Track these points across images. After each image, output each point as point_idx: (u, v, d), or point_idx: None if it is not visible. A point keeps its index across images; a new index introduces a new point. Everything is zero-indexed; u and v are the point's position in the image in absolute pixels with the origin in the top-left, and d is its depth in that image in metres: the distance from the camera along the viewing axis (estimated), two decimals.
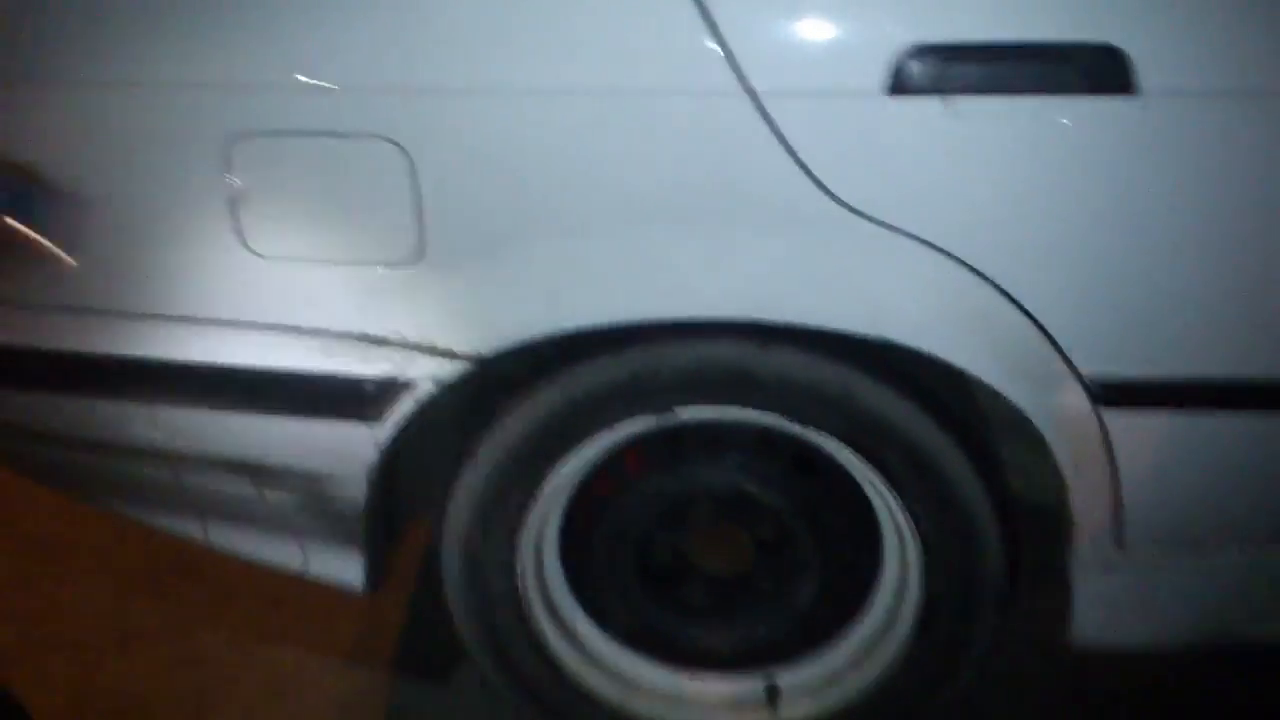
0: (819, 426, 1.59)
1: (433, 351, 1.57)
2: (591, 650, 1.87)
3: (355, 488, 1.68)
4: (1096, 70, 1.37)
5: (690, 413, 1.62)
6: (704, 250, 1.48)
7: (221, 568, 2.16)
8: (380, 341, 1.58)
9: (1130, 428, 1.54)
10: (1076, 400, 1.52)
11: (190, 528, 1.88)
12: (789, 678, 1.87)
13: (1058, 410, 1.53)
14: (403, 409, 1.60)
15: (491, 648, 1.79)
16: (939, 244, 1.45)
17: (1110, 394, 1.51)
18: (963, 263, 1.46)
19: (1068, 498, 1.60)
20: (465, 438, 1.68)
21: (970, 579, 1.67)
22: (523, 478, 1.65)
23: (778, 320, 1.50)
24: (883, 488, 1.65)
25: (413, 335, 1.57)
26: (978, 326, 1.49)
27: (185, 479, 1.78)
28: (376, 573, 1.78)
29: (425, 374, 1.57)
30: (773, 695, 1.86)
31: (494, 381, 1.64)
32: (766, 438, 1.71)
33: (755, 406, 1.59)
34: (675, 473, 1.76)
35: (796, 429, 1.62)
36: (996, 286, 1.46)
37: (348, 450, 1.65)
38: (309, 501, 1.73)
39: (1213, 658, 1.79)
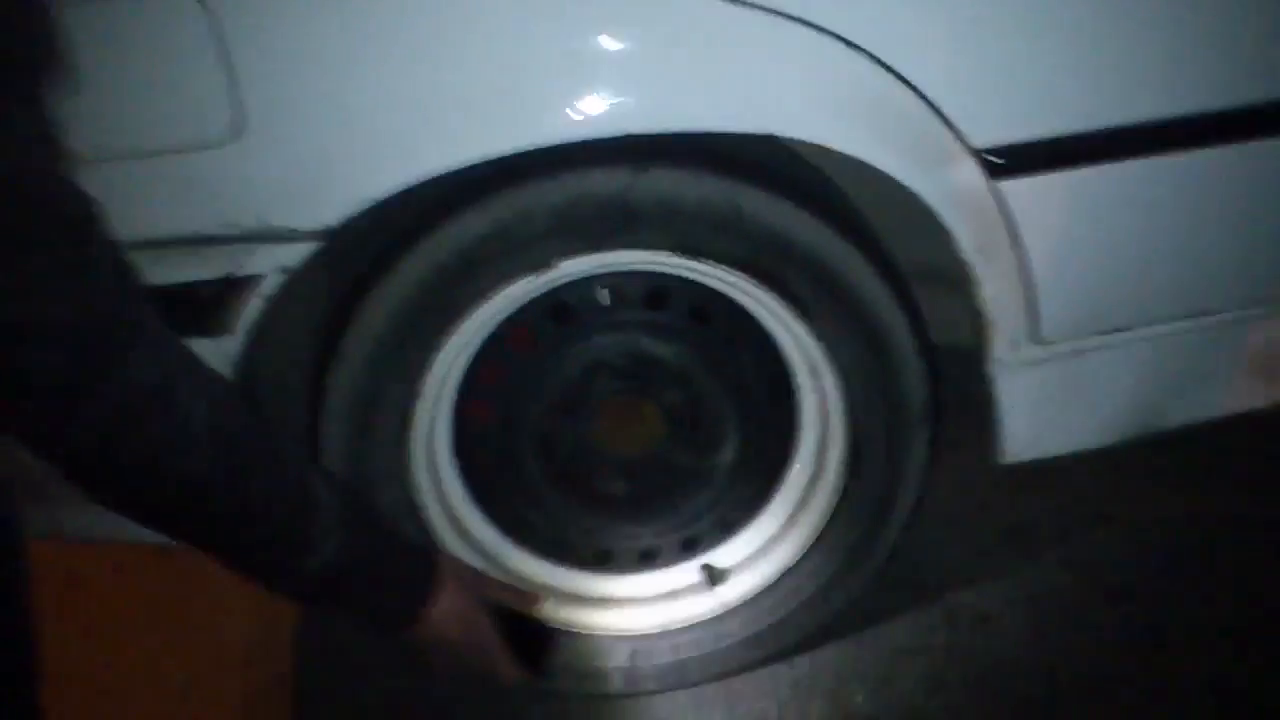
0: (710, 256, 1.46)
1: (272, 235, 1.38)
2: (509, 566, 1.70)
3: None
4: None
5: (571, 265, 1.47)
6: (560, 60, 1.34)
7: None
8: (211, 239, 1.39)
9: (1029, 197, 1.46)
10: (973, 176, 1.43)
11: (41, 520, 1.64)
12: (724, 555, 1.74)
13: (956, 190, 1.43)
14: (251, 312, 1.41)
15: None
16: (817, 22, 1.34)
17: (1005, 163, 1.43)
18: (843, 40, 1.35)
19: (979, 292, 1.51)
20: (326, 335, 1.50)
21: (893, 406, 1.57)
22: (399, 370, 1.48)
23: (653, 130, 1.37)
24: (790, 319, 1.53)
25: (246, 221, 1.37)
26: (865, 110, 1.38)
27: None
28: None
29: (269, 264, 1.39)
30: (712, 576, 1.72)
31: (348, 262, 1.48)
32: (658, 293, 1.59)
33: (640, 244, 1.45)
34: (567, 347, 1.60)
35: (686, 267, 1.50)
36: (879, 62, 1.37)
37: None
38: None
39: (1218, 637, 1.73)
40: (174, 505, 1.19)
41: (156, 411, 1.07)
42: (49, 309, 1.00)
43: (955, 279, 1.56)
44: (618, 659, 1.71)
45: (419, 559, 1.39)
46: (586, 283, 1.56)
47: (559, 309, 1.58)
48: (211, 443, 1.14)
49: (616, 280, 1.57)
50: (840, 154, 1.41)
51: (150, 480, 1.12)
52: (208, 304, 1.41)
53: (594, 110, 1.36)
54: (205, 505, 1.19)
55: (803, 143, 1.40)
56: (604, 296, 1.59)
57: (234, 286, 1.40)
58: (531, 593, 1.59)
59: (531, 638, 1.48)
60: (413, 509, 1.58)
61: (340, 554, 1.25)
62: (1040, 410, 1.63)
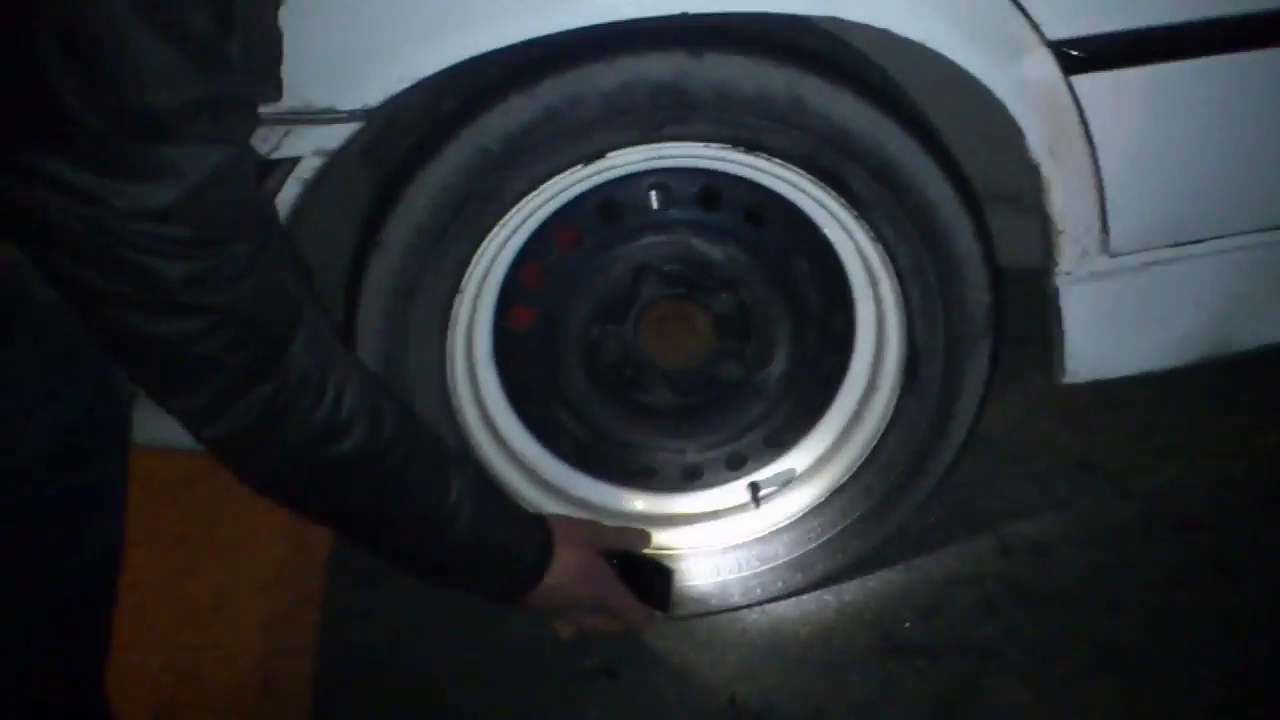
0: (767, 149, 1.40)
1: (310, 116, 1.32)
2: (543, 474, 1.65)
3: None
4: None
5: (622, 157, 1.42)
6: None
7: None
8: None
9: (1105, 94, 1.39)
10: (1047, 70, 1.36)
11: None
12: (771, 473, 1.68)
13: (1028, 84, 1.37)
14: (288, 197, 1.35)
15: None
16: None
17: (1082, 56, 1.36)
18: None
19: (1048, 197, 1.44)
20: (367, 223, 1.44)
21: (953, 316, 1.50)
22: (440, 262, 1.42)
23: (711, 10, 1.30)
24: (848, 220, 1.48)
25: (282, 100, 1.33)
26: None
27: None
28: None
29: (306, 146, 1.33)
30: (755, 494, 1.66)
31: (391, 149, 1.42)
32: (711, 193, 1.53)
33: (694, 136, 1.39)
34: (615, 248, 1.54)
35: (741, 163, 1.45)
36: None
37: None
38: None
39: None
40: (322, 486, 1.21)
41: (311, 394, 1.12)
42: (240, 294, 1.04)
43: (1022, 189, 1.50)
44: (659, 581, 1.65)
45: (537, 526, 1.43)
46: (637, 179, 1.51)
47: (608, 206, 1.52)
48: (359, 427, 1.17)
49: (668, 178, 1.51)
50: (905, 41, 1.34)
51: (299, 461, 1.16)
52: None
53: None
54: (351, 489, 1.20)
55: (868, 28, 1.34)
56: (655, 197, 1.53)
57: (269, 169, 1.34)
58: (640, 530, 1.59)
59: (645, 573, 1.52)
60: (449, 412, 1.53)
61: (470, 528, 1.30)
62: (1107, 327, 1.56)
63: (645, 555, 1.57)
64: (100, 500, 1.19)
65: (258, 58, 1.04)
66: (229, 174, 0.99)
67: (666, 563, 1.58)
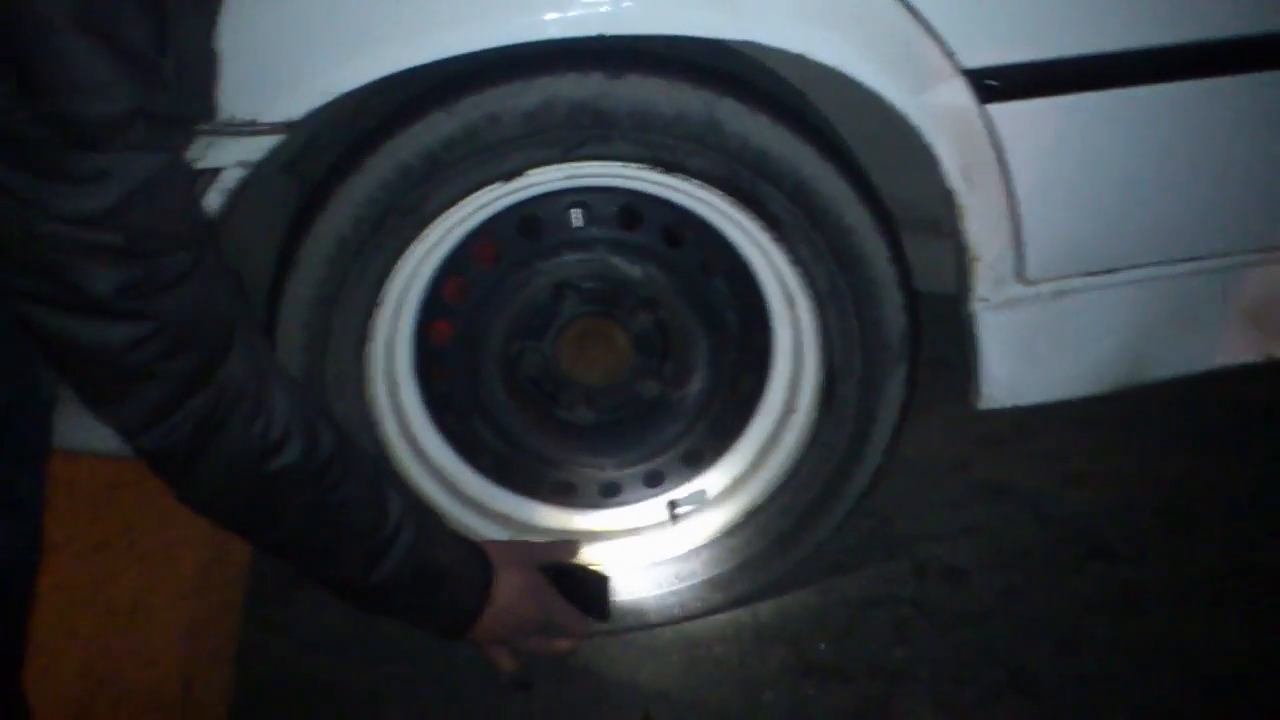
0: (686, 170, 1.41)
1: (233, 127, 1.33)
2: (463, 488, 1.65)
3: None
4: None
5: (541, 175, 1.42)
6: None
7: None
8: None
9: (1019, 123, 1.41)
10: (961, 98, 1.38)
11: None
12: (688, 492, 1.69)
13: (943, 111, 1.39)
14: (209, 207, 1.35)
15: None
16: None
17: (996, 85, 1.38)
18: None
19: (962, 224, 1.47)
20: (289, 235, 1.44)
21: (870, 338, 1.52)
22: (360, 274, 1.42)
23: (629, 33, 1.32)
24: (766, 242, 1.49)
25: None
26: (850, 21, 1.33)
27: None
28: None
29: (230, 157, 1.33)
30: (674, 515, 1.67)
31: (312, 163, 1.43)
32: (630, 212, 1.54)
33: (613, 156, 1.40)
34: (534, 264, 1.55)
35: (660, 184, 1.46)
36: None
37: None
38: None
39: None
40: (260, 504, 1.22)
41: (247, 408, 1.13)
42: (175, 303, 1.05)
43: (938, 214, 1.52)
44: None
45: (476, 551, 1.44)
46: (557, 198, 1.52)
47: (528, 223, 1.53)
48: (295, 443, 1.18)
49: (588, 196, 1.53)
50: (821, 66, 1.36)
51: (236, 477, 1.17)
52: None
53: (566, 11, 1.31)
54: (290, 507, 1.20)
55: (783, 53, 1.36)
56: (575, 215, 1.54)
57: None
58: (569, 541, 1.62)
59: (581, 584, 1.54)
60: (368, 423, 1.53)
61: (412, 550, 1.31)
62: (1022, 354, 1.58)
63: (578, 565, 1.58)
64: (14, 503, 1.19)
65: (191, 76, 1.05)
66: (162, 183, 1.00)
67: (600, 570, 1.59)
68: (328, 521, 1.23)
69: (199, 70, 1.09)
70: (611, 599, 1.57)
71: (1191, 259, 1.56)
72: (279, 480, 1.17)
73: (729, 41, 1.36)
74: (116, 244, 0.98)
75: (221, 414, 1.10)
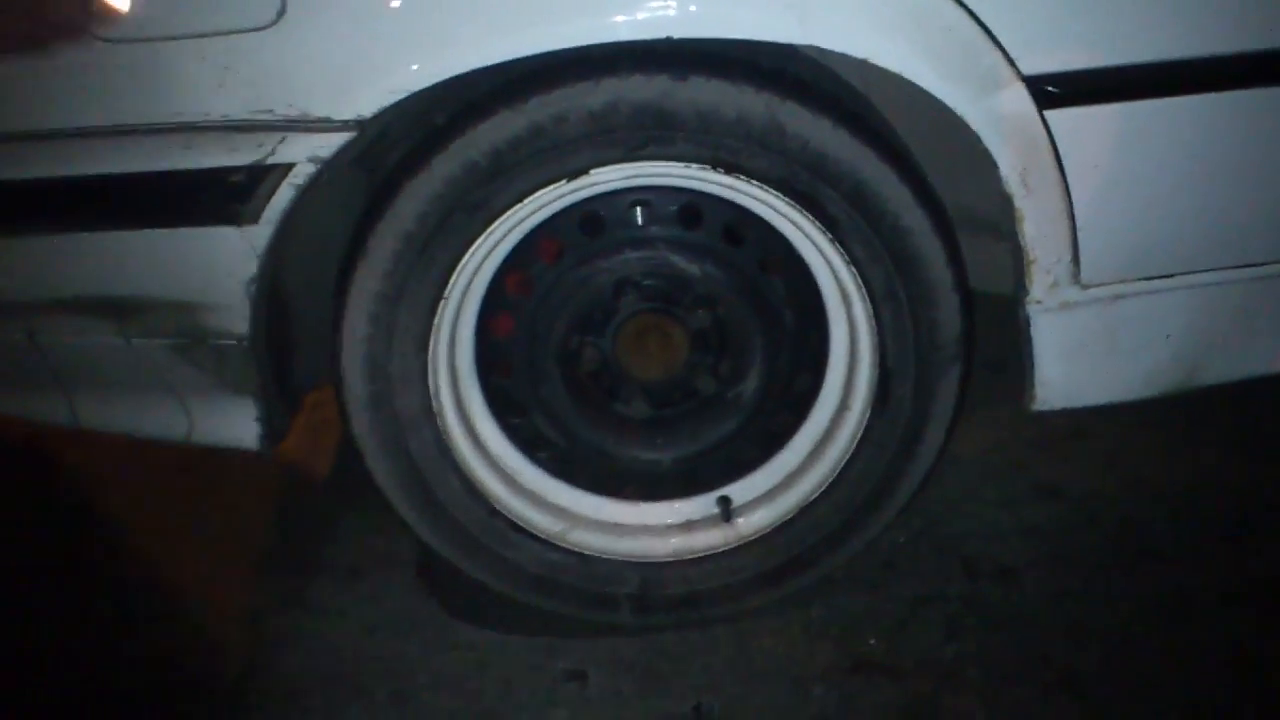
0: (746, 171, 1.44)
1: (306, 124, 1.38)
2: (522, 480, 1.68)
3: (236, 312, 1.48)
4: None
5: (605, 174, 1.45)
6: None
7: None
8: (244, 124, 1.38)
9: (1079, 129, 1.42)
10: (1021, 103, 1.40)
11: (55, 407, 1.65)
12: (741, 488, 1.71)
13: (1003, 117, 1.40)
14: (280, 200, 1.40)
15: (406, 482, 1.59)
16: None
17: (1056, 92, 1.40)
18: None
19: (1020, 228, 1.48)
20: (356, 230, 1.48)
21: (924, 339, 1.54)
22: (426, 269, 1.46)
23: (694, 37, 1.35)
24: (824, 243, 1.51)
25: (281, 108, 1.37)
26: (913, 26, 1.36)
27: (41, 338, 1.56)
28: (273, 423, 1.59)
29: (302, 152, 1.38)
30: (726, 508, 1.69)
31: (382, 158, 1.46)
32: (691, 211, 1.57)
33: (675, 156, 1.43)
34: (596, 261, 1.58)
35: (721, 184, 1.48)
36: None
37: (222, 264, 1.45)
38: (184, 342, 1.52)
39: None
40: None
41: None
42: None
43: (995, 217, 1.54)
44: (629, 586, 1.69)
45: None
46: (620, 196, 1.55)
47: (590, 220, 1.56)
48: None
49: (650, 196, 1.55)
50: (884, 72, 1.38)
51: None
52: (237, 191, 1.40)
53: (635, 14, 1.34)
54: None
55: (847, 58, 1.38)
56: (637, 214, 1.57)
57: (264, 174, 1.40)
58: None
59: None
60: (430, 415, 1.56)
61: None
62: (1076, 357, 1.59)
63: None
64: None
65: None
66: None
67: None
68: None
69: None
70: None
71: (1247, 265, 1.56)
72: None
73: (794, 46, 1.38)
74: None
75: None
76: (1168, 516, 1.84)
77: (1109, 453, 1.94)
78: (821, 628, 1.71)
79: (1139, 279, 1.54)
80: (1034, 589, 1.74)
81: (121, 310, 1.51)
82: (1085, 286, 1.52)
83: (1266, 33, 1.41)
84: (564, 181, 1.44)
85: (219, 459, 1.64)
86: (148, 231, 1.45)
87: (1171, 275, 1.54)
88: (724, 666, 1.67)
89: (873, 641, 1.68)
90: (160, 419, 1.61)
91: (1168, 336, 1.60)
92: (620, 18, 1.34)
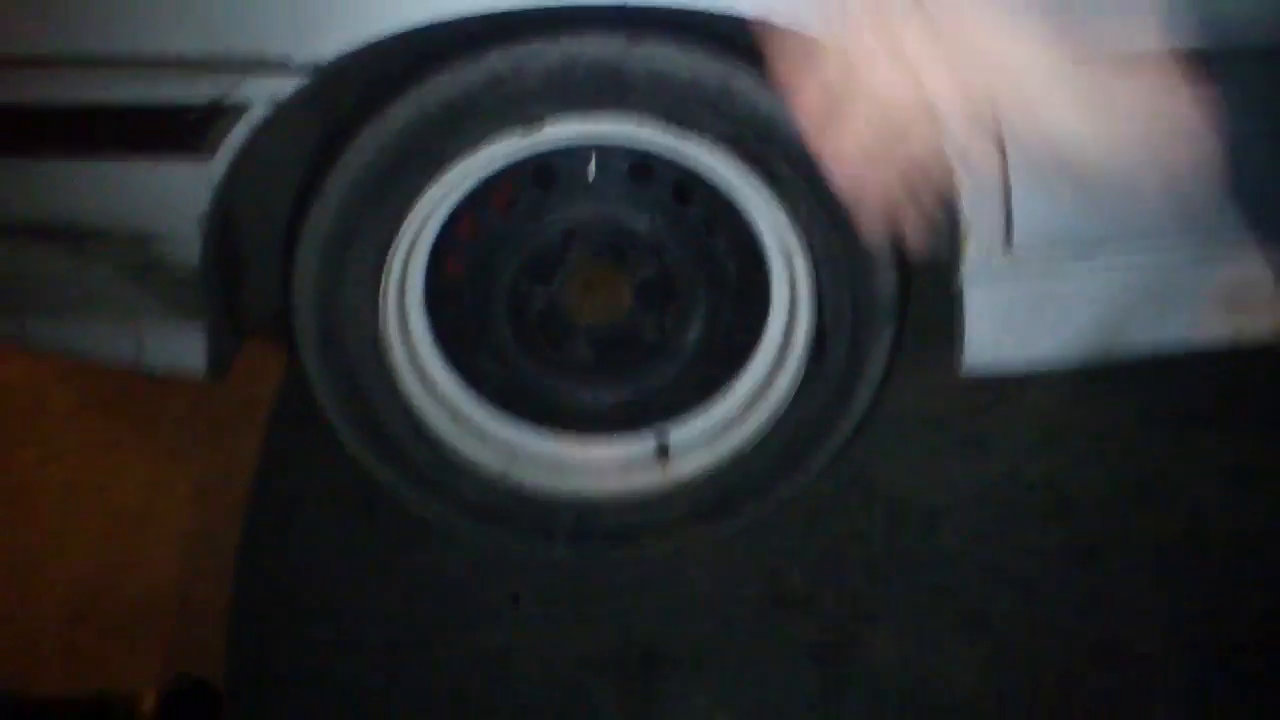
0: (697, 129, 1.47)
1: (264, 65, 1.39)
2: (467, 416, 1.74)
3: (188, 244, 1.50)
4: None
5: (559, 129, 1.49)
6: None
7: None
8: (204, 61, 1.40)
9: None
10: None
11: (7, 325, 1.67)
12: (679, 432, 1.78)
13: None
14: (235, 139, 1.42)
15: (355, 415, 1.63)
16: None
17: None
18: None
19: (958, 198, 1.53)
20: (310, 172, 1.51)
21: (861, 297, 1.59)
22: (378, 211, 1.49)
23: (645, 5, 1.37)
24: (768, 199, 1.55)
25: (240, 47, 1.39)
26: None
27: None
28: (220, 351, 1.61)
29: (258, 93, 1.40)
30: (663, 452, 1.76)
31: (338, 102, 1.48)
32: (642, 168, 1.60)
33: (628, 109, 1.46)
34: (547, 210, 1.62)
35: (671, 141, 1.51)
36: None
37: (176, 196, 1.47)
38: (137, 269, 1.54)
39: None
40: None
41: None
42: None
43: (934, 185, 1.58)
44: (566, 519, 1.76)
45: None
46: (572, 151, 1.58)
47: (543, 172, 1.59)
48: None
49: (602, 153, 1.59)
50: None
51: None
52: (195, 125, 1.42)
53: None
54: None
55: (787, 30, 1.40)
56: (589, 169, 1.61)
57: (220, 112, 1.41)
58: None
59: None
60: (378, 349, 1.61)
61: None
62: (1005, 324, 1.65)
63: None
64: None
65: None
66: None
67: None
68: None
69: None
70: None
71: (1172, 245, 1.62)
72: None
73: (744, 17, 1.40)
74: None
75: None
76: (1082, 472, 1.92)
77: (1035, 413, 2.01)
78: (749, 565, 1.79)
79: (1067, 252, 1.60)
80: (952, 535, 1.83)
81: (77, 237, 1.53)
82: (1017, 257, 1.57)
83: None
84: (519, 131, 1.47)
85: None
86: (104, 163, 1.46)
87: (1101, 245, 1.60)
88: (654, 598, 1.75)
89: (797, 580, 1.76)
90: (111, 342, 1.63)
91: (1094, 308, 1.65)
92: None
